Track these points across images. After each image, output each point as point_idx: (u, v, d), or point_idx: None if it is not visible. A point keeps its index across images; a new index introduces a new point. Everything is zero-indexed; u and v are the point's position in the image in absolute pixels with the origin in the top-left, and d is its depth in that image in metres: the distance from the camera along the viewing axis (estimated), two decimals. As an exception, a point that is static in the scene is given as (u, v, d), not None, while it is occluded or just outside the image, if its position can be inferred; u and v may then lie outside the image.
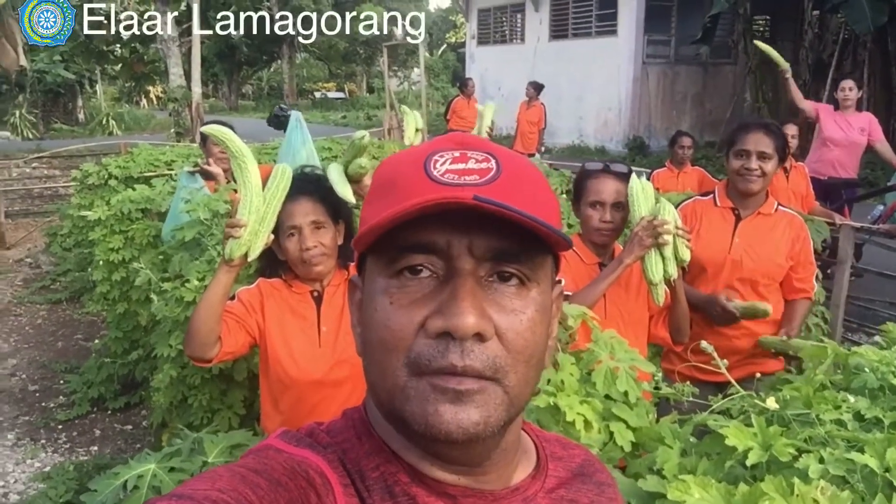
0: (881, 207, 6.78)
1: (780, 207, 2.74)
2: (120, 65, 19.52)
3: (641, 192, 2.25)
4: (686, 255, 2.26)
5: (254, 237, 1.89)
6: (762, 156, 2.60)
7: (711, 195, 2.80)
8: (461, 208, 0.58)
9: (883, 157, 6.61)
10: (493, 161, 0.63)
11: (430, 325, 0.60)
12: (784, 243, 2.67)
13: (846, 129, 6.18)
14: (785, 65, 6.00)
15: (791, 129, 5.11)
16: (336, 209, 2.15)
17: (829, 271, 4.95)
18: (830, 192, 6.12)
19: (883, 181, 8.67)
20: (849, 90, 6.17)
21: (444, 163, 0.63)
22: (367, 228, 0.62)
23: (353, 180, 2.16)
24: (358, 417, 0.71)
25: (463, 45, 27.14)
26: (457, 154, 0.64)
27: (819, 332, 3.43)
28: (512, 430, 0.68)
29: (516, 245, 0.62)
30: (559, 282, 0.72)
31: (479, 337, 0.60)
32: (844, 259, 4.55)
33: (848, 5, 11.68)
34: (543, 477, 0.74)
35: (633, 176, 2.30)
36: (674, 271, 2.24)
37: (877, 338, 2.02)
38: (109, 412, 4.75)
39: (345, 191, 2.07)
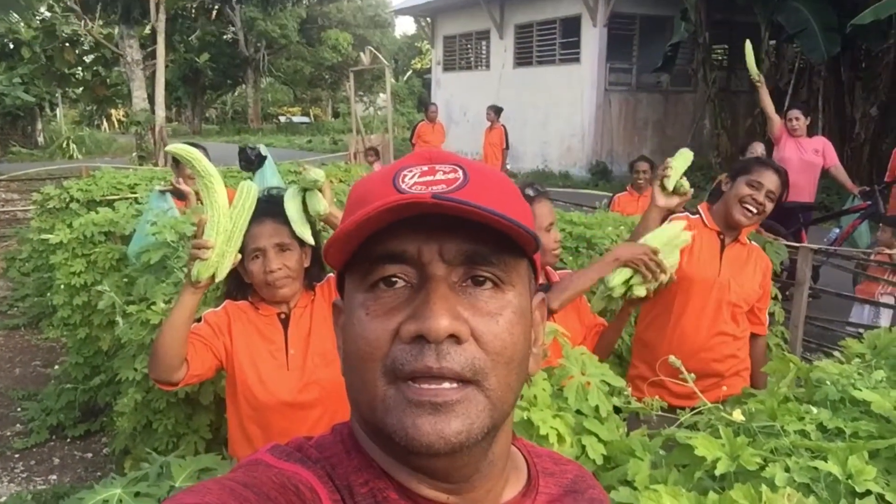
0: (837, 230, 6.98)
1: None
2: (81, 88, 19.26)
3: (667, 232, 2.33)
4: (656, 284, 2.24)
5: (221, 258, 1.83)
6: (770, 195, 2.66)
7: (698, 215, 2.82)
8: (422, 210, 0.59)
9: (838, 181, 6.83)
10: (460, 172, 0.64)
11: (403, 331, 0.60)
12: (757, 273, 2.75)
13: (801, 151, 6.38)
14: (755, 73, 6.20)
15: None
16: None
17: (787, 293, 5.05)
18: (787, 216, 6.27)
19: (838, 205, 8.93)
20: (796, 119, 6.40)
21: (412, 176, 0.64)
22: (334, 237, 0.63)
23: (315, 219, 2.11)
24: (347, 433, 0.70)
25: (429, 71, 27.37)
26: (425, 168, 0.65)
27: (779, 351, 3.54)
28: (500, 442, 0.67)
29: (487, 247, 0.62)
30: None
31: (455, 339, 0.60)
32: (802, 281, 4.66)
33: (803, 36, 12.12)
34: (534, 494, 0.72)
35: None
36: (642, 293, 2.21)
37: (836, 353, 2.08)
38: (69, 440, 4.61)
39: (303, 230, 2.03)
